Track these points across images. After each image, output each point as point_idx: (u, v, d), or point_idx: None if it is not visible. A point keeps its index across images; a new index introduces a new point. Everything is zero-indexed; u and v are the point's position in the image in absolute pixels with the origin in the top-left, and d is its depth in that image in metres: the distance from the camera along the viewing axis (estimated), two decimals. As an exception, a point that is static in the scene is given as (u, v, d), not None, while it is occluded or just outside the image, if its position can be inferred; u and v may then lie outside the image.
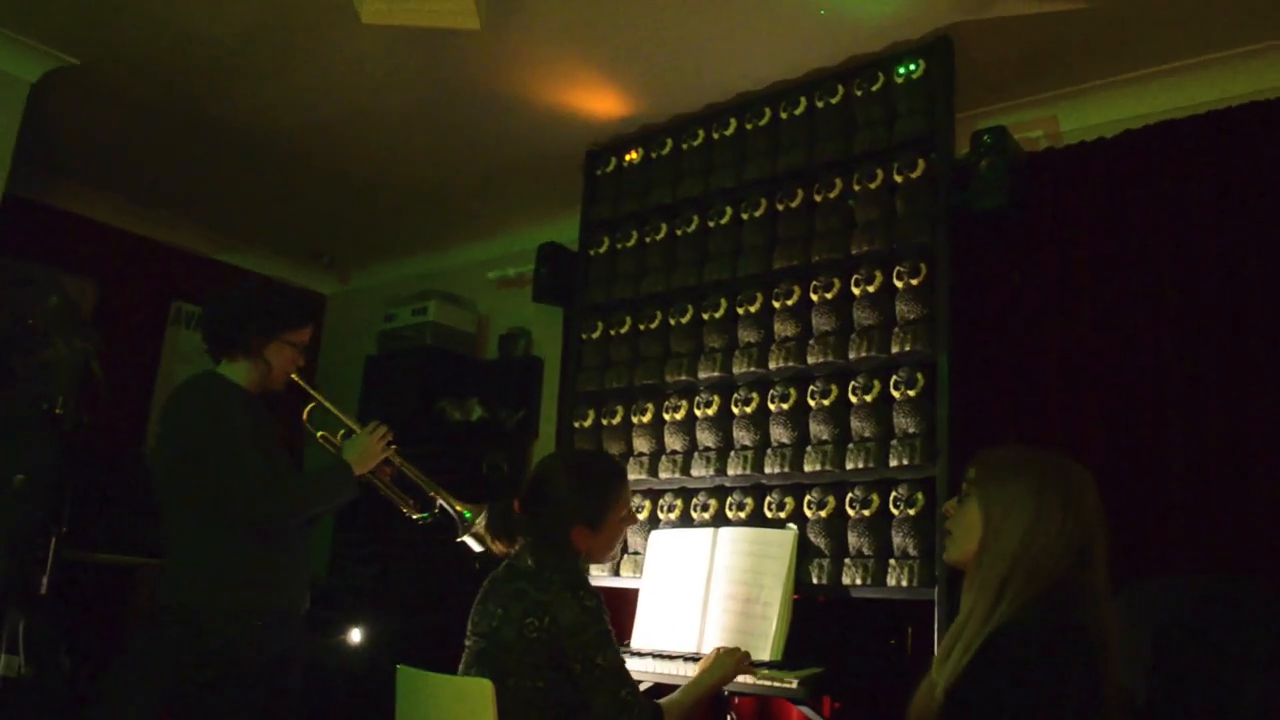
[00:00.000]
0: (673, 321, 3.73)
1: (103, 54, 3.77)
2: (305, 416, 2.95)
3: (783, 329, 3.41)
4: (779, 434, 3.33)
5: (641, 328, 3.83)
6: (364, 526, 4.86)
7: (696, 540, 3.24)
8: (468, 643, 2.43)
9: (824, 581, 3.08)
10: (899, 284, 3.17)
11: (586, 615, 2.26)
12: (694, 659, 2.90)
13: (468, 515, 2.76)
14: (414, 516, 2.86)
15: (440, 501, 2.82)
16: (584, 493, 2.44)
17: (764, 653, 2.84)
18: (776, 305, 3.44)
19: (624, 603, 3.35)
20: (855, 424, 3.17)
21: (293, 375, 2.79)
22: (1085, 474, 1.79)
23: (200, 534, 2.54)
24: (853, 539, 3.09)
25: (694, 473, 3.49)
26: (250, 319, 2.69)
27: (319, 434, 2.90)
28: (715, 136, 3.80)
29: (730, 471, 3.40)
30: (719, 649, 2.67)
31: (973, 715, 1.59)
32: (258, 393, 2.74)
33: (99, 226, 5.21)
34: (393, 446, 2.79)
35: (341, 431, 2.85)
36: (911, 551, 2.95)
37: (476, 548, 2.77)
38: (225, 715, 2.43)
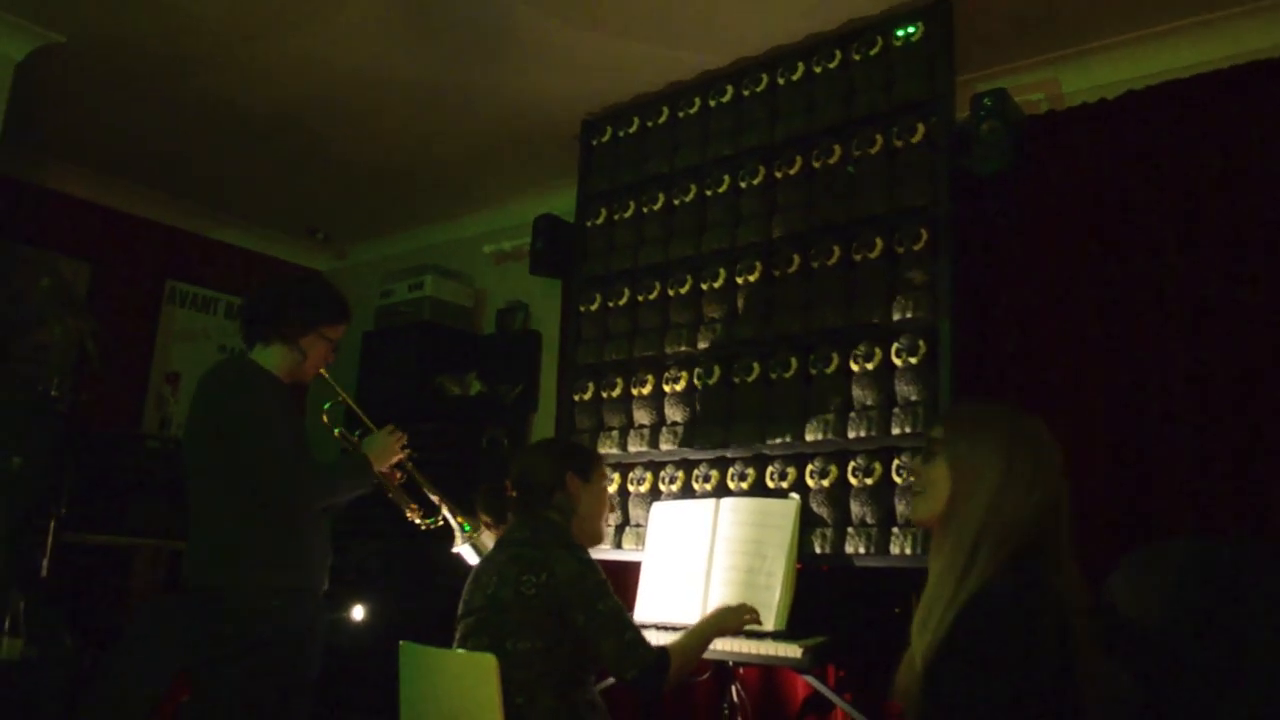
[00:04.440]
0: (671, 292, 3.70)
1: (89, 30, 3.71)
2: (324, 414, 3.02)
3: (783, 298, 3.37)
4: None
5: (640, 299, 3.80)
6: (366, 503, 4.87)
7: (699, 511, 3.22)
8: (461, 621, 2.44)
9: (827, 551, 3.07)
10: (900, 250, 3.14)
11: (583, 565, 2.33)
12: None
13: (467, 528, 2.93)
14: (418, 521, 2.96)
15: (444, 510, 2.93)
16: (569, 450, 2.72)
17: (768, 623, 2.83)
18: (776, 274, 3.41)
19: (627, 576, 3.34)
20: (857, 392, 3.14)
21: (321, 370, 2.86)
22: (1050, 433, 1.74)
23: (224, 515, 2.57)
24: (855, 508, 3.07)
25: (695, 443, 3.47)
26: (293, 305, 2.74)
27: (336, 430, 2.99)
28: (712, 104, 3.75)
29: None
30: (724, 606, 2.73)
31: (951, 687, 1.56)
32: (287, 382, 2.77)
33: (91, 206, 5.17)
34: (406, 450, 2.87)
35: (358, 432, 2.93)
36: (915, 519, 2.94)
37: (473, 560, 2.89)
38: (241, 691, 2.45)
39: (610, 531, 3.53)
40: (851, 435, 3.10)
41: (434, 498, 2.95)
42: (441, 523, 2.96)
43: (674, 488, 3.52)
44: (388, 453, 2.82)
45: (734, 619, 2.66)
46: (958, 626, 1.58)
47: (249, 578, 2.52)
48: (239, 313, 2.89)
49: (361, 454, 2.79)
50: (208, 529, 2.59)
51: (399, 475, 2.92)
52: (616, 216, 3.98)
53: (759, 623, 2.76)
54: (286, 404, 2.73)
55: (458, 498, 2.96)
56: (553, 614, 2.27)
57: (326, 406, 3.03)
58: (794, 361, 3.30)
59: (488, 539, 2.91)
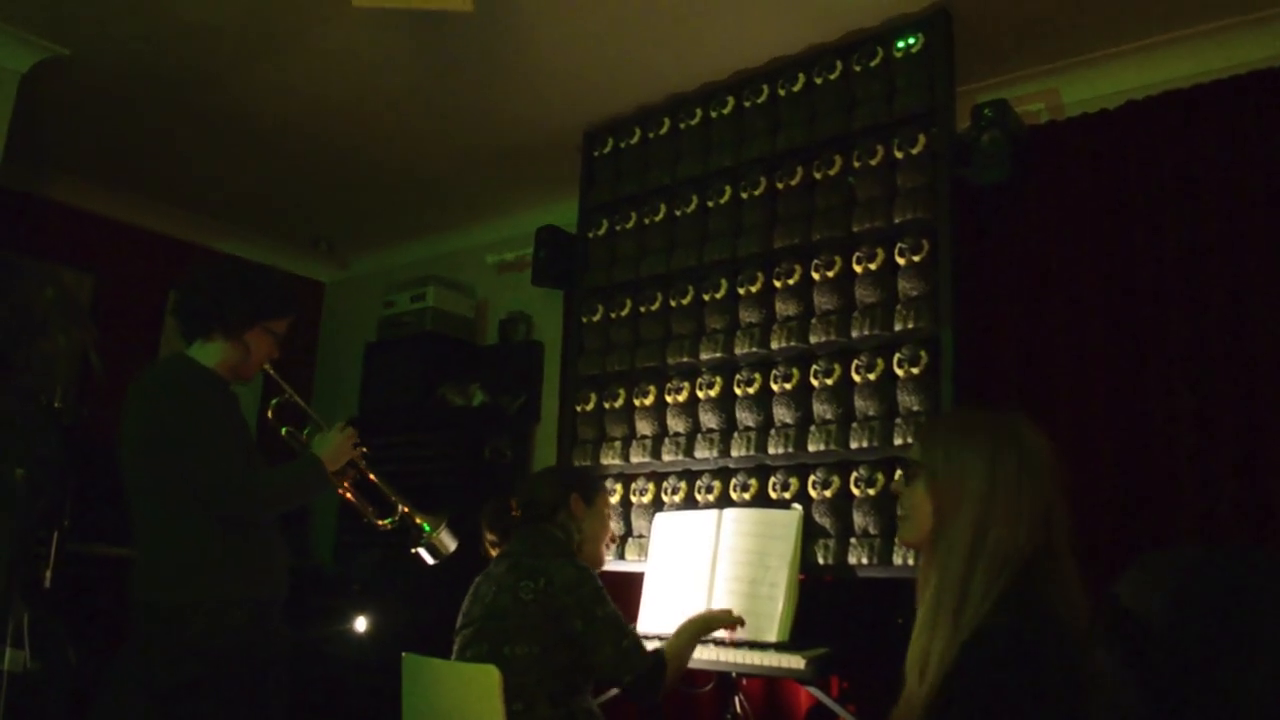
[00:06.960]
0: (673, 303, 3.71)
1: (93, 43, 3.72)
2: (270, 411, 2.81)
3: (784, 308, 3.38)
4: (782, 414, 3.31)
5: (642, 310, 3.80)
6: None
7: (701, 522, 3.22)
8: (459, 633, 2.44)
9: (830, 561, 3.07)
10: (901, 261, 3.15)
11: (580, 572, 2.37)
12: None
13: (426, 529, 2.71)
14: (378, 522, 2.75)
15: (402, 509, 2.73)
16: (573, 473, 2.86)
17: (771, 634, 2.83)
18: (778, 285, 3.42)
19: (629, 587, 3.34)
20: (859, 403, 3.15)
21: (266, 366, 2.66)
22: (1037, 433, 1.63)
23: (172, 525, 2.40)
24: (858, 518, 3.07)
25: (698, 454, 3.47)
26: (237, 298, 2.53)
27: (284, 429, 2.78)
28: (713, 115, 3.76)
29: (734, 453, 3.38)
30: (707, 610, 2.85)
31: None
32: (229, 379, 2.59)
33: (94, 218, 5.18)
34: (359, 448, 2.68)
35: (307, 429, 2.74)
36: (918, 530, 2.94)
37: (430, 560, 2.73)
38: (209, 714, 2.31)
39: (611, 548, 3.53)
40: (854, 446, 3.10)
41: (391, 497, 2.74)
42: (398, 522, 2.75)
43: (676, 498, 3.52)
44: (341, 452, 2.60)
45: (718, 614, 2.79)
46: (958, 671, 1.46)
47: (206, 593, 2.35)
48: (173, 306, 2.64)
49: (314, 455, 2.57)
50: (156, 541, 2.42)
51: (351, 474, 2.71)
52: (618, 227, 3.99)
53: (743, 626, 2.83)
54: (230, 406, 2.54)
55: (419, 498, 2.77)
56: (550, 620, 2.30)
57: (274, 403, 2.80)
58: (796, 372, 3.31)
59: (447, 539, 2.73)
